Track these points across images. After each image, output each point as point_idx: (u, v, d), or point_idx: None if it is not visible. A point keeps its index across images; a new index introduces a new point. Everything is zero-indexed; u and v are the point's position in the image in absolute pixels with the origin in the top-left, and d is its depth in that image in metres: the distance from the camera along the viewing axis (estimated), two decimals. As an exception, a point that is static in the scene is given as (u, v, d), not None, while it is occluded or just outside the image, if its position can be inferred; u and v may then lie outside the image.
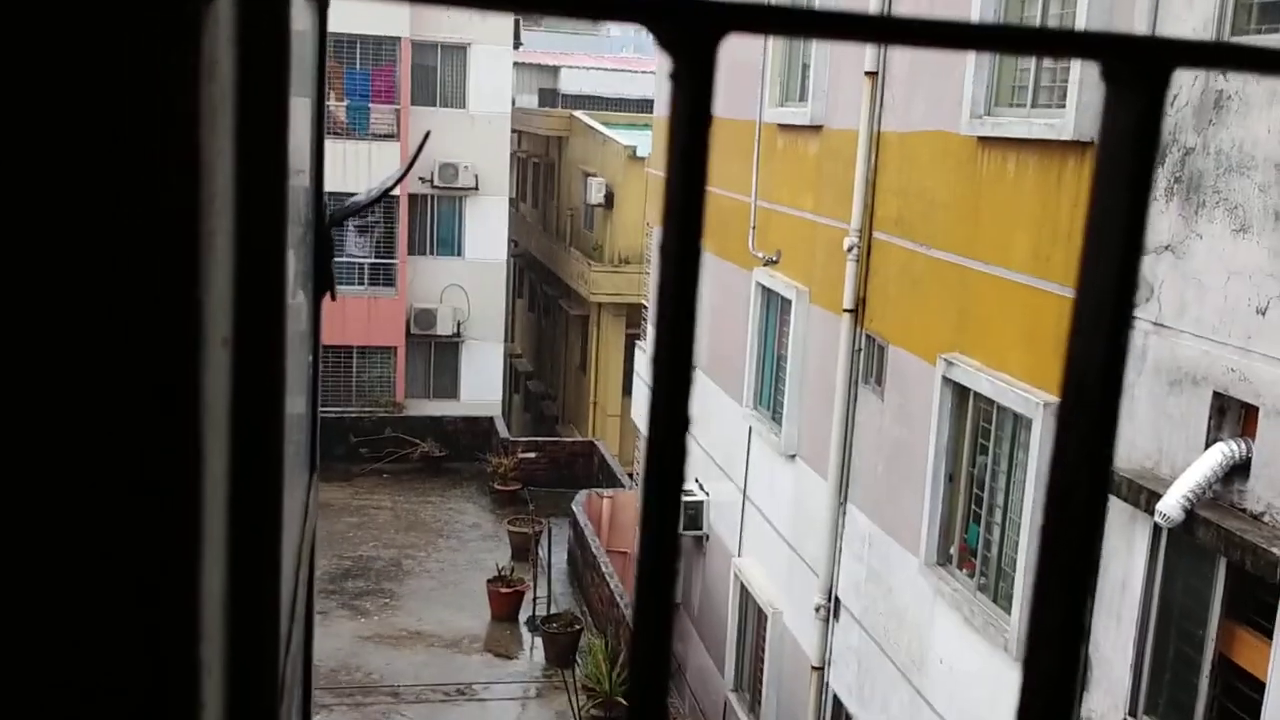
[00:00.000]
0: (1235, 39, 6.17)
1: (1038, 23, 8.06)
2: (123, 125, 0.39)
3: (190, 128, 0.40)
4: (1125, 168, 0.37)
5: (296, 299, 1.06)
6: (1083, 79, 7.30)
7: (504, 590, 17.18)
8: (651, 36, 0.37)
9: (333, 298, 1.41)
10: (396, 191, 24.57)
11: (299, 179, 1.14)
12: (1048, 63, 8.02)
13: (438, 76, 25.81)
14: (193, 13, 0.40)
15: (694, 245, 0.37)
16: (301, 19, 1.11)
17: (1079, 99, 7.31)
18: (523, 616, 17.22)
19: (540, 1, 0.36)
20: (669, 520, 0.42)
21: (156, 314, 0.41)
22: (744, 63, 13.22)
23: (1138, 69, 0.37)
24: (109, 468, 0.42)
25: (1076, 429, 0.40)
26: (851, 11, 0.38)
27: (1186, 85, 6.41)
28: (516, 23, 26.83)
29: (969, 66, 8.56)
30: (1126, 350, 0.38)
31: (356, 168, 23.75)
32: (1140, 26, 6.71)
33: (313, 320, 1.31)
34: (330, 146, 26.23)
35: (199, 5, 0.40)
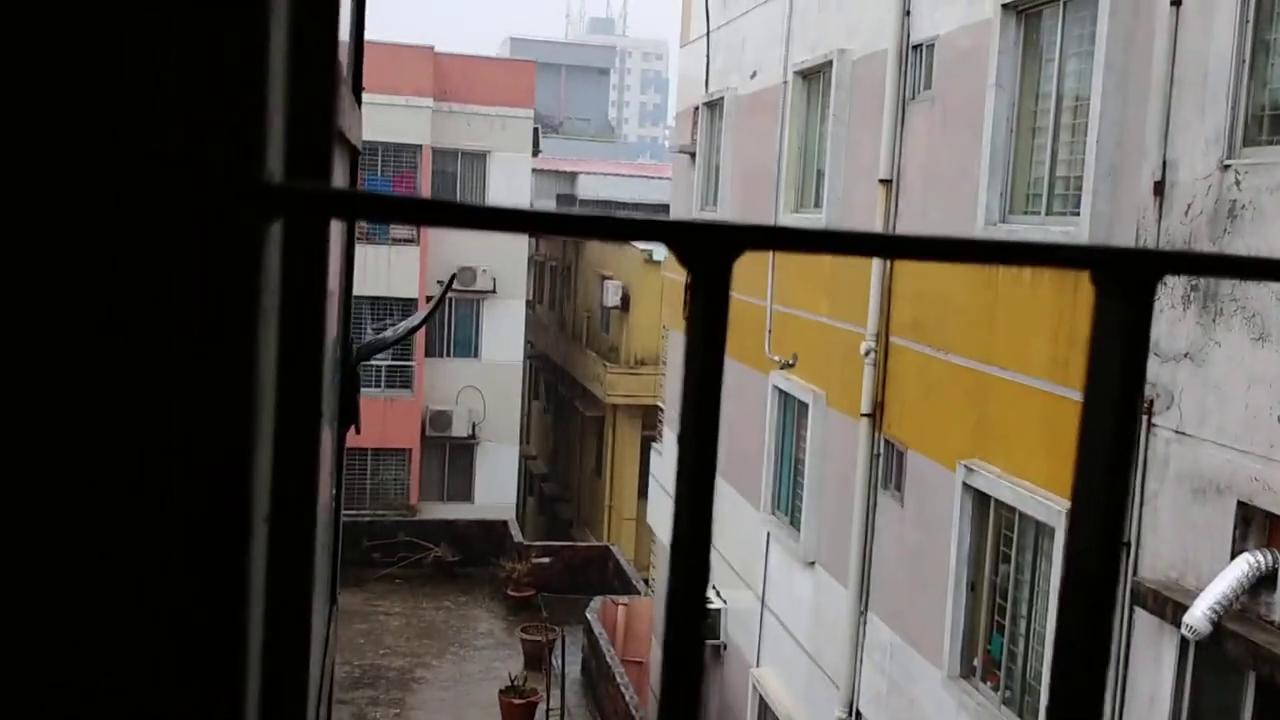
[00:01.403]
0: (1247, 149, 6.26)
1: (1050, 136, 8.21)
2: (184, 336, 0.42)
3: (249, 336, 0.43)
4: (1115, 368, 0.40)
5: (325, 436, 1.09)
6: (1096, 188, 7.40)
7: (516, 701, 16.85)
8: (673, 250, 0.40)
9: (357, 431, 1.44)
10: (414, 294, 24.87)
11: (330, 317, 1.18)
12: (1061, 170, 8.15)
13: (458, 182, 26.33)
14: (258, 234, 0.43)
15: (711, 446, 0.39)
16: (342, 172, 1.16)
17: (1093, 206, 7.40)
18: (536, 727, 16.85)
19: (578, 226, 0.39)
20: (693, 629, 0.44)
21: (211, 502, 0.43)
22: (760, 167, 13.47)
23: (1125, 278, 0.40)
24: (154, 654, 0.44)
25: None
26: (852, 230, 0.41)
27: (1200, 194, 6.49)
28: (535, 130, 27.47)
29: (983, 173, 8.70)
30: (1120, 551, 0.40)
31: (376, 272, 24.11)
32: (1152, 138, 6.83)
33: (337, 455, 1.34)
34: (352, 251, 26.14)
35: (264, 228, 0.44)
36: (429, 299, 25.66)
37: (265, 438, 0.50)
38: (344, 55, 1.37)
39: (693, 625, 0.40)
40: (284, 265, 0.55)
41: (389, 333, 2.41)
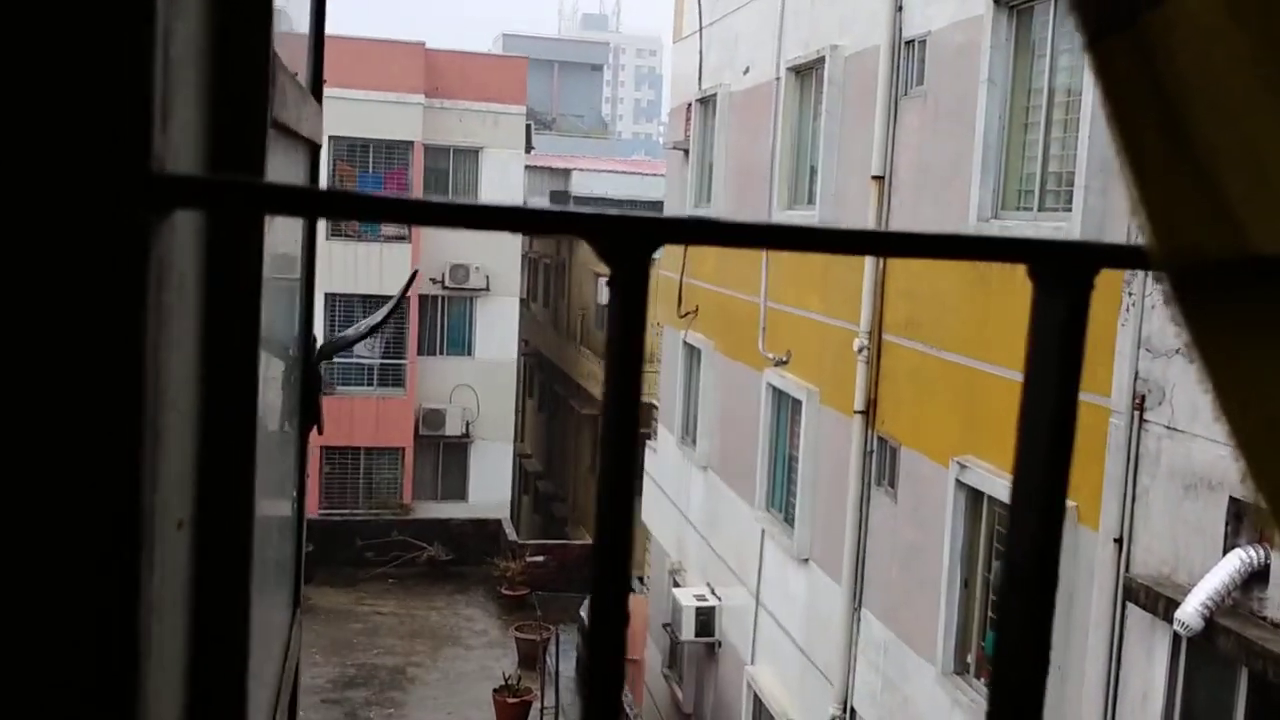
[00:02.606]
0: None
1: (1042, 132, 8.21)
2: (64, 330, 0.40)
3: (134, 333, 0.41)
4: (1053, 362, 0.38)
5: (282, 437, 1.07)
6: (1088, 183, 7.39)
7: (511, 700, 16.84)
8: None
9: (319, 432, 1.42)
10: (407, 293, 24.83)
11: (288, 314, 1.16)
12: (1053, 166, 8.15)
13: (450, 179, 26.26)
14: (143, 228, 0.41)
15: (631, 433, 0.38)
16: (295, 168, 1.14)
17: (1085, 202, 7.39)
18: (531, 725, 16.85)
19: (495, 219, 0.37)
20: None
21: (95, 503, 0.41)
22: (754, 164, 13.45)
23: (1062, 271, 0.38)
24: (45, 653, 0.42)
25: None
26: (774, 224, 0.40)
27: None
28: (528, 126, 27.42)
29: (975, 169, 8.69)
30: (1059, 546, 0.39)
31: (368, 270, 24.07)
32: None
33: (298, 456, 1.32)
34: (342, 248, 26.32)
35: (150, 219, 0.42)
36: (420, 296, 25.63)
37: (175, 437, 0.49)
38: (301, 51, 1.35)
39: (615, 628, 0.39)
40: (209, 260, 0.53)
41: (351, 331, 2.40)
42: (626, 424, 0.39)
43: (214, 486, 0.56)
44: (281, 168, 0.89)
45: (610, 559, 0.40)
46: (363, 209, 0.37)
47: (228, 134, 0.57)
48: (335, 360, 24.52)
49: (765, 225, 0.39)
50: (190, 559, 0.53)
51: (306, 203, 0.38)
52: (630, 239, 0.37)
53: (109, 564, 0.42)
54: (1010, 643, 0.41)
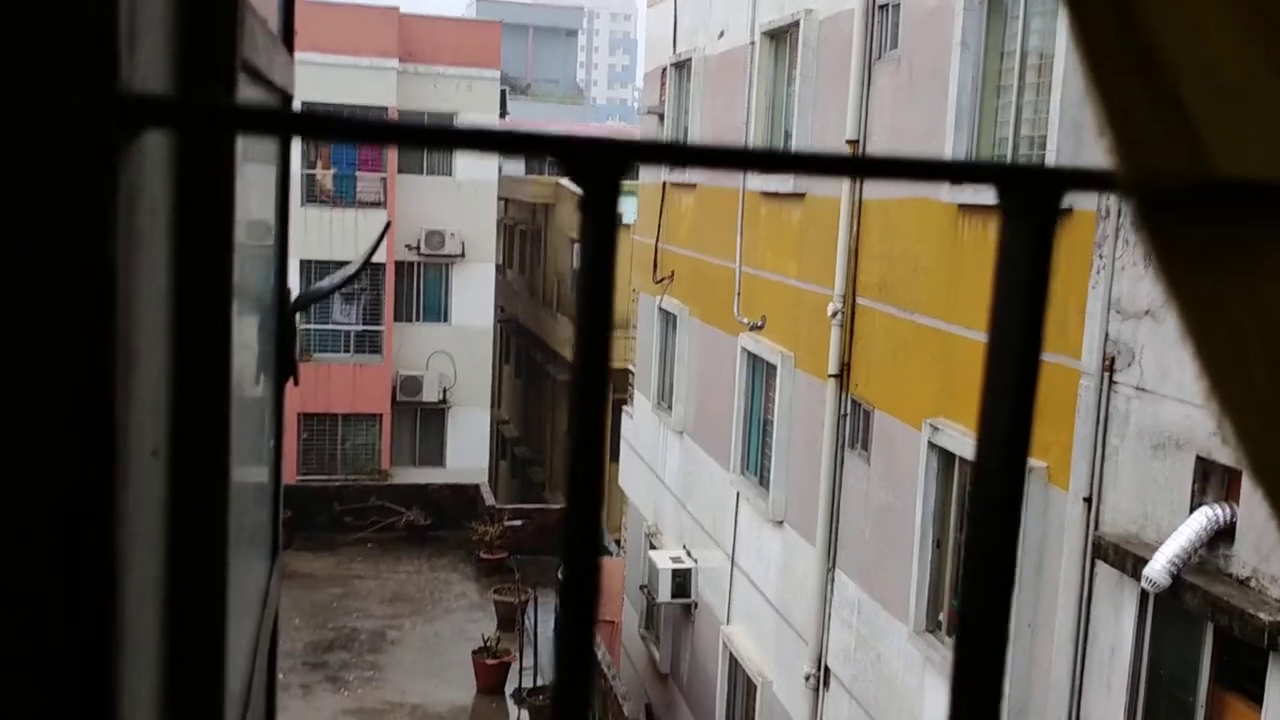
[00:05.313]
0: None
1: (1014, 94, 8.22)
2: (32, 253, 0.40)
3: (103, 256, 0.41)
4: (1020, 288, 0.39)
5: (259, 384, 1.07)
6: (1059, 146, 7.42)
7: (490, 661, 16.95)
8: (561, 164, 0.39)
9: (295, 383, 1.43)
10: (383, 259, 24.68)
11: (262, 264, 1.16)
12: (1025, 129, 8.16)
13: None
14: (111, 147, 0.41)
15: (603, 363, 0.38)
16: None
17: (1057, 163, 7.42)
18: (509, 688, 16.97)
19: (463, 140, 0.38)
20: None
21: (66, 430, 0.41)
22: (729, 128, 13.41)
23: (1030, 195, 0.39)
24: (18, 572, 0.42)
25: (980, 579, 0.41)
26: (741, 147, 0.40)
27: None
28: (503, 92, 27.22)
29: (948, 132, 8.70)
30: (1022, 492, 0.40)
31: (343, 235, 23.92)
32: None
33: (275, 405, 1.32)
34: (318, 214, 26.04)
35: (118, 140, 0.41)
36: (396, 263, 25.49)
37: (147, 364, 0.49)
38: (272, 3, 1.34)
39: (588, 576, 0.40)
40: (181, 185, 0.53)
41: (325, 282, 2.40)
42: (597, 351, 0.39)
43: (189, 414, 0.56)
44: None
45: (584, 483, 0.40)
46: (330, 129, 0.37)
47: (196, 70, 0.57)
48: (312, 328, 24.41)
49: (732, 148, 0.39)
50: (166, 488, 0.54)
51: (273, 122, 0.38)
52: (600, 159, 0.37)
53: (85, 482, 0.42)
54: (974, 578, 0.42)
